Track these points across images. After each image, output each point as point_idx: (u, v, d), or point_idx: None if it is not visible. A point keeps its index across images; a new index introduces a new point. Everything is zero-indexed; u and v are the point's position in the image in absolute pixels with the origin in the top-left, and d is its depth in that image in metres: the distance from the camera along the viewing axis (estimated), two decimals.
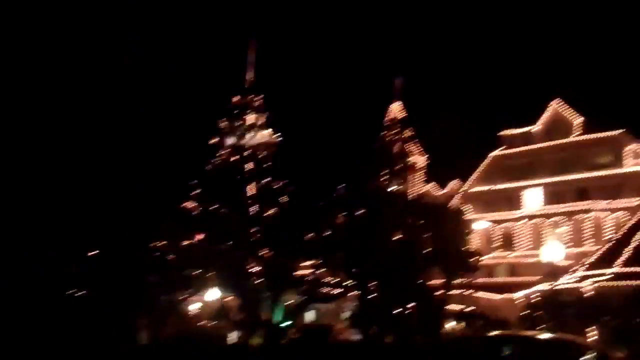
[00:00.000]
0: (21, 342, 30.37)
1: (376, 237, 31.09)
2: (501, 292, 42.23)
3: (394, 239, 30.41)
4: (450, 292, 31.64)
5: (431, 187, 51.72)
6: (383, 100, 58.66)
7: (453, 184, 49.98)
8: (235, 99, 54.04)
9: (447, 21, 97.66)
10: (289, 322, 32.58)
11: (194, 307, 42.03)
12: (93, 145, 45.93)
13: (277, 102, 52.44)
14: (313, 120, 48.28)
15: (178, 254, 36.72)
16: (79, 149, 45.24)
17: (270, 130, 50.60)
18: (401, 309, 28.52)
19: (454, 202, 44.14)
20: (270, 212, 36.21)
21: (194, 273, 34.77)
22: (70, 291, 37.93)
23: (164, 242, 37.77)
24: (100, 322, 35.53)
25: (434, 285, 30.64)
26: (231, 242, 33.90)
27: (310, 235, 32.92)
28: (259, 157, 42.79)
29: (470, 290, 34.83)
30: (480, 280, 41.84)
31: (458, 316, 35.95)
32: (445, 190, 50.43)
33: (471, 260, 30.94)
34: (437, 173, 53.47)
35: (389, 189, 45.62)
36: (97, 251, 39.83)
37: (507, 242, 45.72)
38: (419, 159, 53.11)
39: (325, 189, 39.79)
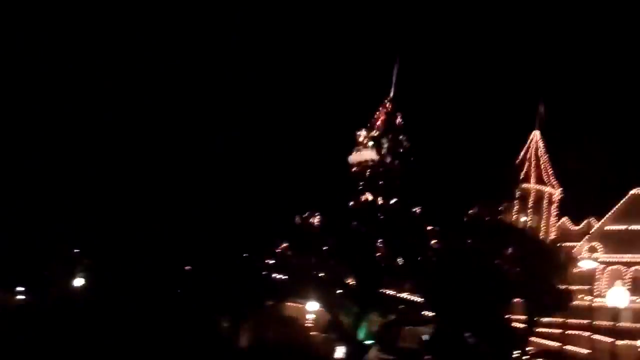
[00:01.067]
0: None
1: (468, 265, 30.00)
2: (622, 338, 39.33)
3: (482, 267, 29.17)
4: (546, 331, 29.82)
5: (563, 222, 49.07)
6: (521, 126, 56.26)
7: (588, 221, 46.94)
8: (378, 117, 54.20)
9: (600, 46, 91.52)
10: (372, 341, 32.13)
11: (308, 316, 42.89)
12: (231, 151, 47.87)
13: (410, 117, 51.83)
14: (445, 139, 47.04)
15: (281, 262, 37.34)
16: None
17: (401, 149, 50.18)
18: (476, 340, 27.25)
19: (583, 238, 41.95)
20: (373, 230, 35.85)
21: (287, 282, 35.24)
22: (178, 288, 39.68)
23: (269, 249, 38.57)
24: (204, 323, 36.76)
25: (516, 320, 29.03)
26: (325, 255, 33.96)
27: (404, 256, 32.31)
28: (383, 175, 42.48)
29: (570, 331, 32.58)
30: (603, 323, 39.63)
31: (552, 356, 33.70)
32: (578, 227, 47.69)
33: (566, 299, 28.98)
34: (572, 206, 50.53)
35: (513, 222, 43.82)
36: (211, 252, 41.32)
37: (638, 287, 42.20)
38: (553, 191, 50.42)
39: (446, 211, 38.80)
